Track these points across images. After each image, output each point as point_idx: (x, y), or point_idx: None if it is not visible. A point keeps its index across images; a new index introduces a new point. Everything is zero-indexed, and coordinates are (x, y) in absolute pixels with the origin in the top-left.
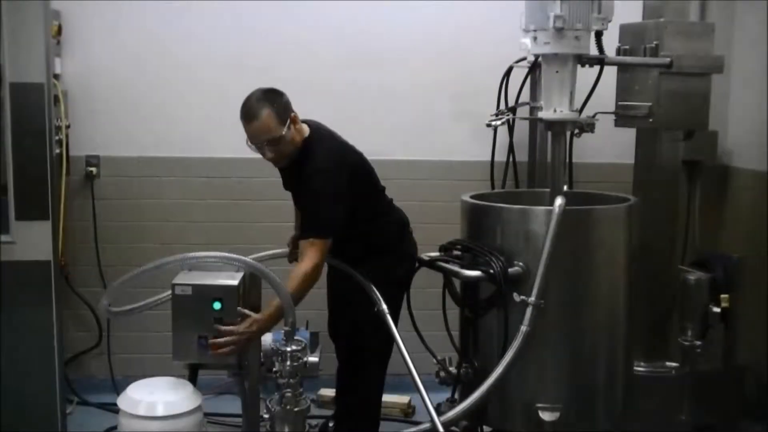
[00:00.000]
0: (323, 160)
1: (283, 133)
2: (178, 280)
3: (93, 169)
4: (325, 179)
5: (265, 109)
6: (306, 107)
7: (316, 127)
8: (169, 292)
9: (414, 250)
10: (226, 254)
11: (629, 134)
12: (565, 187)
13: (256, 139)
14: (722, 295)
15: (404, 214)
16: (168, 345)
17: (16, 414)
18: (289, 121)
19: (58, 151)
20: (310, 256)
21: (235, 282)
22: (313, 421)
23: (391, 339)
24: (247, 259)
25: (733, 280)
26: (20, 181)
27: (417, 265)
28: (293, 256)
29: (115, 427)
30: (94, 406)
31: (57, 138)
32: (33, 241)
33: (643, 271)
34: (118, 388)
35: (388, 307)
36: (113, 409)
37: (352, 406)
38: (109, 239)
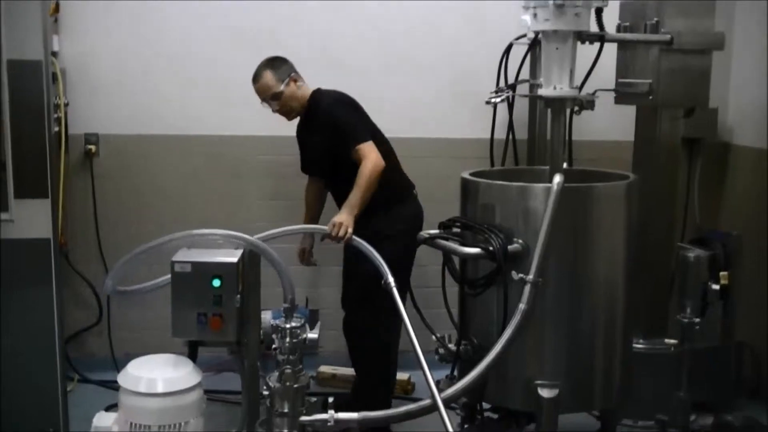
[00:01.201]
0: (334, 96)
1: (282, 88)
2: (177, 257)
3: (92, 147)
4: (342, 105)
5: (266, 70)
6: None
7: (319, 89)
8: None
9: (420, 212)
10: (231, 232)
11: (629, 112)
12: (565, 165)
13: (260, 95)
14: (721, 273)
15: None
16: (168, 323)
17: (17, 392)
18: (288, 79)
19: (56, 129)
20: (366, 155)
21: (234, 259)
22: (313, 398)
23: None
24: (249, 237)
25: (732, 258)
26: (19, 159)
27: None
28: (307, 261)
29: (115, 405)
30: (95, 383)
31: (55, 116)
32: (32, 219)
33: (643, 249)
34: (119, 366)
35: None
36: (114, 386)
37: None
38: (109, 217)
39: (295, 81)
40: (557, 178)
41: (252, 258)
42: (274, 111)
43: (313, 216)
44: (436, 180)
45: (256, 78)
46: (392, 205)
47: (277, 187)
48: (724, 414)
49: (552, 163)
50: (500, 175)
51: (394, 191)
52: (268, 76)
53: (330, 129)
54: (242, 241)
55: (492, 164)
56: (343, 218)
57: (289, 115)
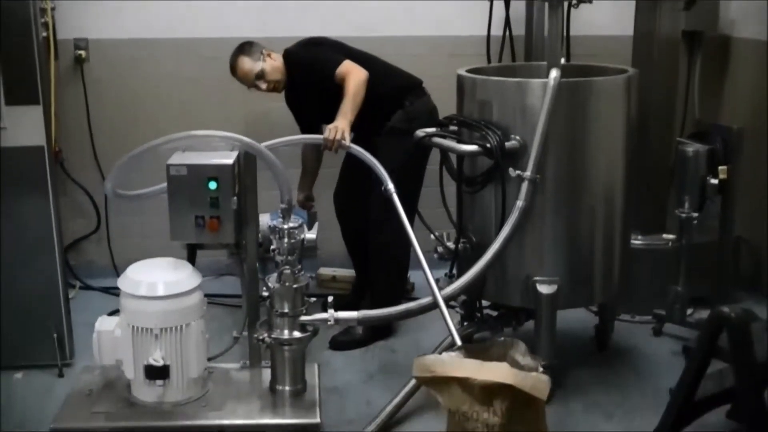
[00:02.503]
0: (299, 46)
1: (261, 66)
2: (172, 160)
3: (82, 52)
4: (306, 47)
5: (239, 57)
6: None
7: (286, 50)
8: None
9: (434, 107)
10: (228, 133)
11: (629, 5)
12: (563, 61)
13: (246, 82)
14: (720, 167)
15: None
16: (167, 228)
17: (19, 301)
18: (262, 56)
19: (44, 34)
20: (346, 73)
21: (229, 161)
22: (313, 299)
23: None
24: (245, 138)
25: (731, 152)
26: (8, 66)
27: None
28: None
29: (118, 310)
30: (97, 290)
31: (42, 20)
32: (25, 126)
33: (642, 144)
34: (119, 273)
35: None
36: (115, 292)
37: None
38: (103, 124)
39: (269, 55)
40: (554, 73)
41: (248, 160)
42: (267, 90)
43: (311, 178)
44: (433, 78)
45: (234, 68)
46: (407, 101)
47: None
48: (720, 306)
49: (549, 58)
50: (497, 72)
51: (404, 88)
52: (244, 61)
53: (310, 76)
54: (238, 143)
55: (489, 61)
56: (338, 123)
57: (279, 88)
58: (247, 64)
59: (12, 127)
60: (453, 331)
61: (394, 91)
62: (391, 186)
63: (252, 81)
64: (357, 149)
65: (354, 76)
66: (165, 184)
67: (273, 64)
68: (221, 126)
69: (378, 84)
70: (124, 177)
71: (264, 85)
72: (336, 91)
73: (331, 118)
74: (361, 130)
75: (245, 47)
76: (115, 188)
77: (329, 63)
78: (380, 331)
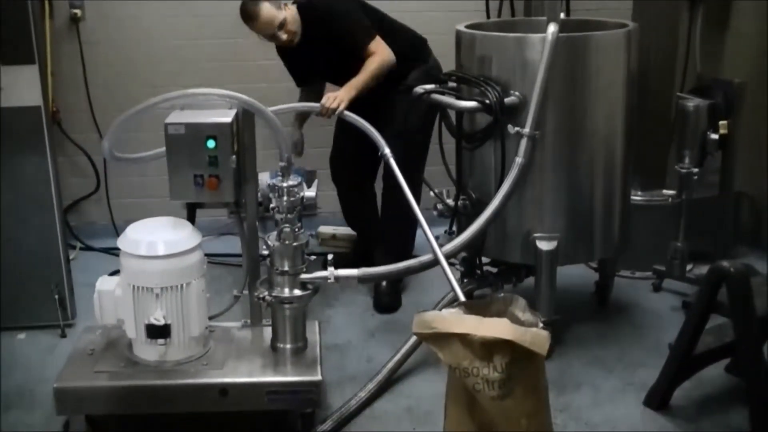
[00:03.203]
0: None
1: (285, 15)
2: (170, 119)
3: (77, 11)
4: (341, 6)
5: (260, 4)
6: None
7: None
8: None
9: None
10: (225, 91)
11: None
12: (562, 15)
13: (266, 32)
14: (721, 122)
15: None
16: (166, 188)
17: (21, 261)
18: (281, 4)
19: None
20: (377, 49)
21: (228, 119)
22: (313, 257)
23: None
24: (243, 96)
25: (732, 106)
26: (2, 25)
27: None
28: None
29: (119, 271)
30: (97, 251)
31: None
32: (21, 86)
33: (642, 99)
34: (119, 233)
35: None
36: (116, 253)
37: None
38: (100, 84)
39: (286, 4)
40: (551, 28)
41: (246, 118)
42: (281, 42)
43: (302, 121)
44: (431, 35)
45: (254, 15)
46: (419, 59)
47: (272, 45)
48: (720, 261)
49: (548, 13)
50: (496, 27)
51: (414, 47)
52: (267, 8)
53: (332, 33)
54: (236, 101)
55: (488, 16)
56: (342, 94)
57: (294, 40)
58: (271, 11)
59: (8, 87)
60: (455, 286)
61: (405, 50)
62: (387, 151)
63: (273, 30)
64: (352, 116)
65: (382, 57)
66: (164, 148)
67: (292, 14)
68: (219, 84)
69: (390, 43)
70: (121, 137)
71: (284, 36)
72: (352, 56)
73: (332, 77)
74: (372, 90)
75: None
76: (112, 150)
77: (362, 31)
78: None
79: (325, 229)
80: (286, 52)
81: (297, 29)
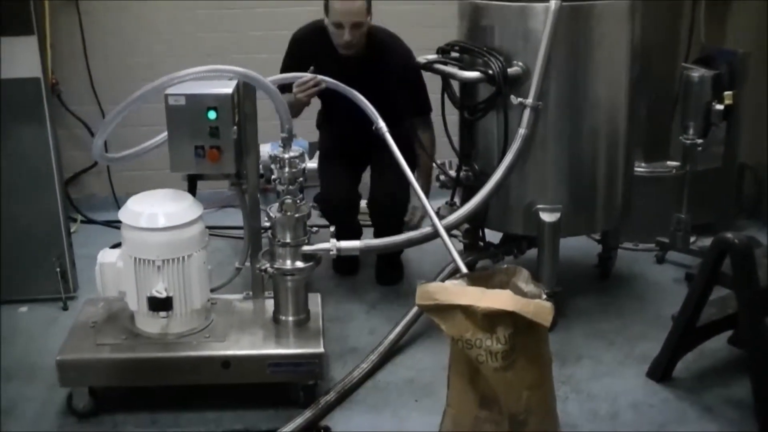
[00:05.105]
0: (406, 49)
1: (367, 19)
2: (171, 90)
3: None
4: (416, 64)
5: None
6: None
7: (376, 28)
8: (165, 134)
9: None
10: (227, 67)
11: None
12: None
13: (347, 16)
14: (725, 93)
15: None
16: (167, 161)
17: (22, 235)
18: (370, 13)
19: None
20: (430, 127)
21: (228, 90)
22: (315, 229)
23: None
24: (239, 68)
25: (737, 77)
26: None
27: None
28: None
29: (120, 243)
30: (99, 224)
31: None
32: (20, 57)
33: (646, 70)
34: (120, 205)
35: None
36: (118, 226)
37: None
38: (99, 55)
39: (371, 16)
40: None
41: (247, 88)
42: (344, 40)
43: None
44: (434, 4)
45: None
46: None
47: (276, 17)
48: (723, 233)
49: None
50: None
51: None
52: (362, 3)
53: (404, 81)
54: (237, 75)
55: None
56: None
57: (350, 49)
58: (365, 7)
59: (7, 59)
60: (456, 257)
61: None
62: (382, 124)
63: (351, 22)
64: (339, 85)
65: (432, 139)
66: (151, 142)
67: (369, 25)
68: (218, 55)
69: None
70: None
71: (348, 37)
72: (387, 104)
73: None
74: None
75: None
76: (102, 152)
77: (428, 100)
78: None
79: None
80: (310, 56)
81: (359, 44)
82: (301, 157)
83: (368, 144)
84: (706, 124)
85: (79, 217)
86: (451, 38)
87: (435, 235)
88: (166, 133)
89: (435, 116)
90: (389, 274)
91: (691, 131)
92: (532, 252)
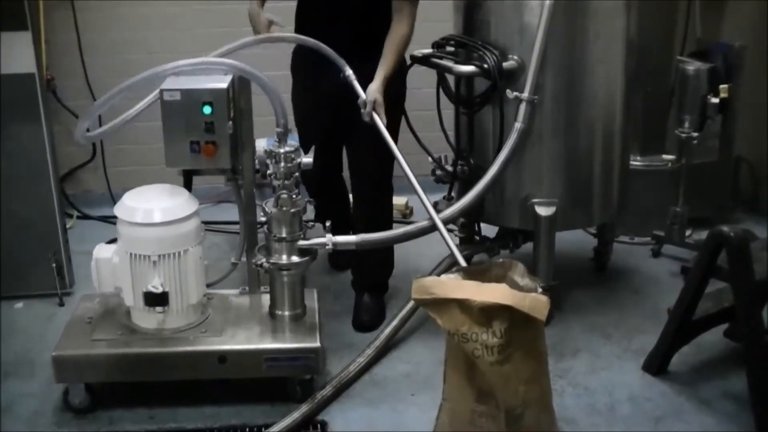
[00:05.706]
0: None
1: None
2: (165, 85)
3: None
4: None
5: None
6: None
7: None
8: (143, 102)
9: None
10: (222, 60)
11: None
12: None
13: None
14: (721, 86)
15: None
16: (162, 156)
17: (18, 230)
18: None
19: None
20: (411, 16)
21: (224, 85)
22: (311, 224)
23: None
24: (234, 62)
25: (732, 70)
26: None
27: (409, 62)
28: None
29: (116, 239)
30: (95, 219)
31: None
32: (14, 53)
33: (641, 64)
34: (116, 201)
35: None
36: (113, 221)
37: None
38: (94, 51)
39: None
40: None
41: (242, 83)
42: None
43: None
44: None
45: None
46: None
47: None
48: (719, 226)
49: None
50: None
51: None
52: None
53: None
54: (232, 68)
55: None
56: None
57: None
58: None
59: (2, 55)
60: (455, 251)
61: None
62: (349, 71)
63: None
64: (301, 38)
65: (410, 30)
66: (130, 111)
67: None
68: (213, 49)
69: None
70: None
71: None
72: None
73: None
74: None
75: None
76: (83, 133)
77: None
78: None
79: None
80: None
81: None
82: (296, 152)
83: (341, 99)
84: (702, 118)
85: (75, 213)
86: (447, 32)
87: (432, 228)
88: (144, 102)
89: (429, 105)
90: (368, 319)
91: (687, 124)
92: (528, 246)
